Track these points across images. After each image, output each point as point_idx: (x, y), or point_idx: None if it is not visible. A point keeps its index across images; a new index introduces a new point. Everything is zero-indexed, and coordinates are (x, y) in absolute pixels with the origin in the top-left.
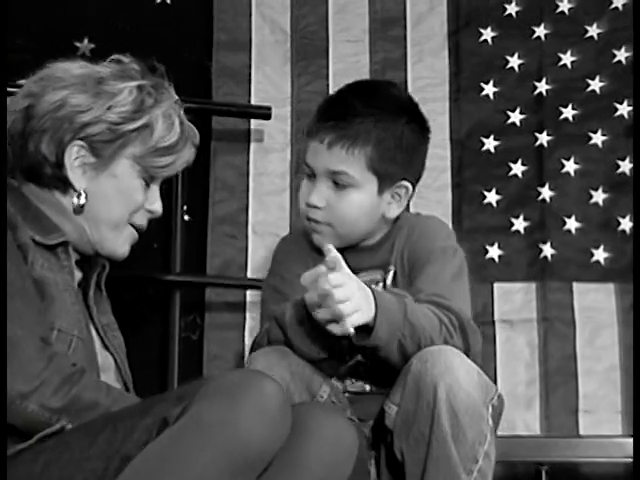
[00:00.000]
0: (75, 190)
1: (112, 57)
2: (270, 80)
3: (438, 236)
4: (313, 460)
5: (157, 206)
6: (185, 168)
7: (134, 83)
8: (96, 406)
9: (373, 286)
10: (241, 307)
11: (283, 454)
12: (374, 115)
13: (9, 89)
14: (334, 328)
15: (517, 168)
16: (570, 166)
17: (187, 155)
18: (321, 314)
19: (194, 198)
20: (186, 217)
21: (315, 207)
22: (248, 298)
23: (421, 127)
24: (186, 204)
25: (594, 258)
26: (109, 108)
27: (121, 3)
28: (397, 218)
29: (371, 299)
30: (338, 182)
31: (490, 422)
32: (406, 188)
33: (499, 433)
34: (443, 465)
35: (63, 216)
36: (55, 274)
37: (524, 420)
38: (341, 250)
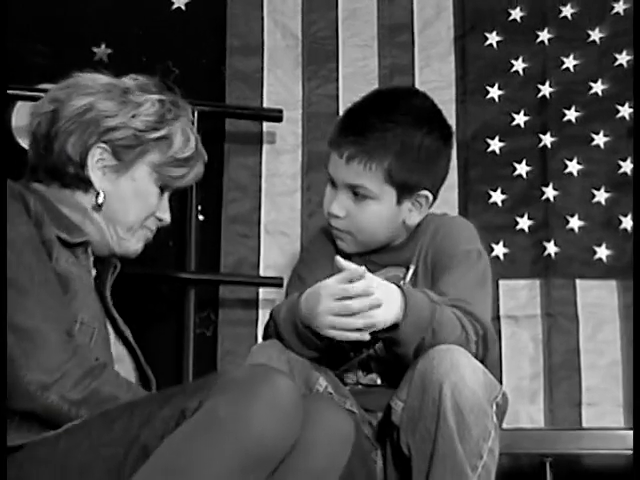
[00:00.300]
0: (95, 190)
1: (130, 76)
2: (282, 83)
3: (462, 238)
4: (312, 448)
5: (166, 215)
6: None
7: (156, 96)
8: (115, 400)
9: (401, 283)
10: (254, 304)
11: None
12: (391, 130)
13: (28, 93)
14: (352, 335)
15: (522, 168)
16: (573, 166)
17: (198, 169)
18: (333, 323)
19: (208, 198)
20: (200, 217)
21: (336, 217)
22: (261, 295)
23: (442, 135)
24: (200, 204)
25: (596, 256)
26: (134, 116)
27: (137, 9)
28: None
29: (397, 296)
30: (357, 193)
31: (495, 419)
32: (426, 197)
33: (504, 426)
34: (449, 461)
35: (84, 216)
36: (79, 270)
37: (528, 413)
38: (363, 252)
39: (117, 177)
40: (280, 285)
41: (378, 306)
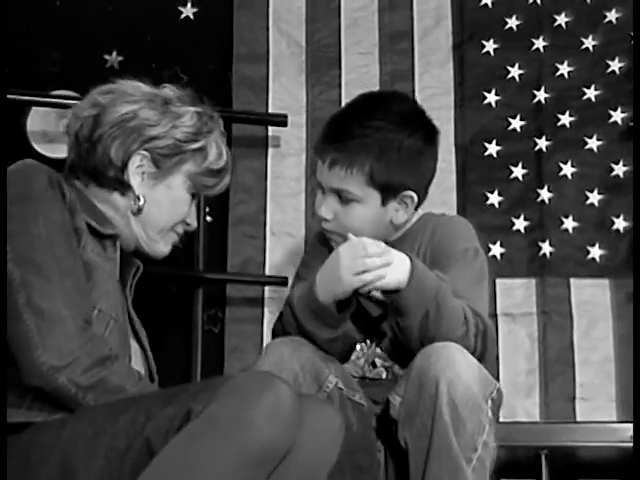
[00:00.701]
0: (134, 193)
1: (163, 85)
2: (286, 90)
3: (460, 237)
4: (301, 445)
5: (193, 221)
6: None
7: (194, 109)
8: (122, 391)
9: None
10: (260, 302)
11: None
12: (370, 135)
13: (42, 99)
14: (362, 279)
15: (518, 171)
16: (567, 169)
17: (227, 180)
18: (353, 268)
19: (216, 200)
20: (208, 218)
21: (325, 219)
22: (266, 294)
23: (425, 135)
24: (208, 206)
25: (590, 255)
26: (174, 126)
27: (148, 18)
28: (420, 217)
29: (407, 262)
30: (342, 197)
31: (489, 414)
32: (411, 197)
33: (501, 419)
34: (445, 455)
35: (116, 213)
36: (103, 260)
37: (524, 407)
38: None
39: (154, 184)
40: (285, 284)
41: (389, 264)
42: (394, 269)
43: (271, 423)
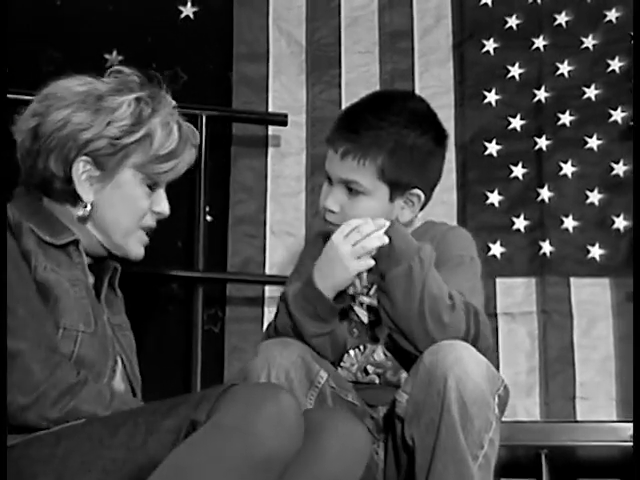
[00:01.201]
0: (82, 202)
1: (113, 69)
2: (286, 89)
3: (458, 245)
4: (329, 457)
5: (163, 207)
6: (206, 169)
7: (132, 96)
8: (94, 417)
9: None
10: (260, 302)
11: (303, 453)
12: (385, 128)
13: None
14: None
15: (518, 170)
16: (568, 169)
17: (188, 157)
18: (354, 252)
19: (215, 199)
20: (208, 217)
21: (330, 211)
22: (266, 293)
23: (436, 137)
24: (208, 205)
25: (590, 255)
26: (109, 123)
27: (148, 18)
28: (421, 224)
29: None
30: (351, 189)
31: (496, 411)
32: (418, 196)
33: (502, 418)
34: (451, 451)
35: (71, 224)
36: (60, 274)
37: (525, 406)
38: None
39: (103, 186)
40: (284, 283)
41: (386, 240)
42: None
43: (275, 432)
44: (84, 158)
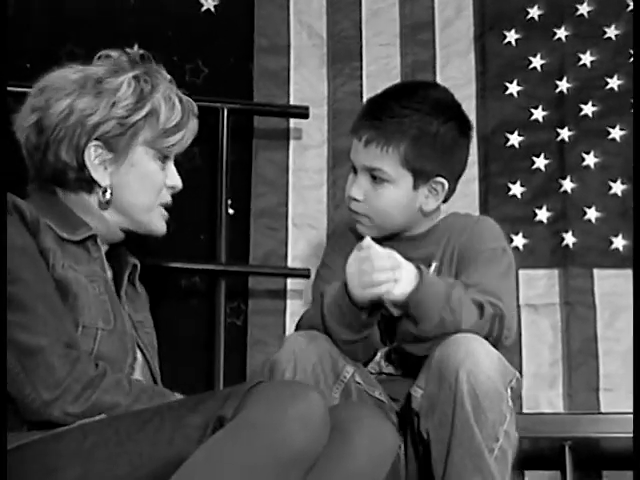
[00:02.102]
0: (100, 187)
1: (100, 53)
2: (308, 81)
3: (489, 237)
4: (358, 455)
5: (176, 180)
6: (228, 162)
7: (129, 74)
8: (117, 406)
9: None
10: (282, 294)
11: (332, 449)
12: (409, 116)
13: None
14: (371, 292)
15: (540, 162)
16: (590, 159)
17: (192, 127)
18: (361, 283)
19: (237, 193)
20: (230, 210)
21: (355, 200)
22: (288, 286)
23: (460, 127)
24: (230, 198)
25: (613, 246)
26: (114, 104)
27: (168, 11)
28: (446, 216)
29: (414, 276)
30: (375, 177)
31: (510, 403)
32: (442, 184)
33: (525, 410)
34: (467, 444)
35: (87, 213)
36: (78, 271)
37: (548, 398)
38: (383, 240)
39: (117, 167)
40: (307, 276)
41: (397, 280)
42: (402, 283)
43: (303, 430)
44: (95, 143)
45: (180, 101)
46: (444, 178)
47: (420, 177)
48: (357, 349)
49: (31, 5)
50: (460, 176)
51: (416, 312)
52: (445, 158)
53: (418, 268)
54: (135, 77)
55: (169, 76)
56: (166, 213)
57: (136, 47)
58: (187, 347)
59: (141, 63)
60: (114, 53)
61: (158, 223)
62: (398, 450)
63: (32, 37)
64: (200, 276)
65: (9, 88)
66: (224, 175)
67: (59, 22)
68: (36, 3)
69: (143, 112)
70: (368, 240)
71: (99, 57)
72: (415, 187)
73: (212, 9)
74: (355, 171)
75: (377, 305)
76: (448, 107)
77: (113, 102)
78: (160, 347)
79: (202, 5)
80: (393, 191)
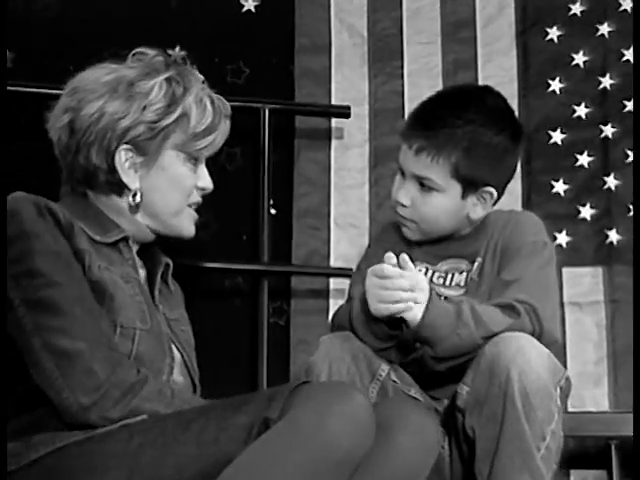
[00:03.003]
0: (130, 190)
1: (135, 51)
2: (349, 81)
3: (530, 231)
4: (402, 451)
5: (207, 182)
6: (270, 162)
7: (161, 77)
8: (155, 415)
9: (456, 274)
10: (325, 294)
11: (375, 447)
12: (461, 127)
13: None
14: (386, 308)
15: (583, 159)
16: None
17: (224, 129)
18: (377, 296)
19: (279, 193)
20: (272, 210)
21: (402, 205)
22: (331, 285)
23: (512, 134)
24: (272, 199)
25: None
26: (144, 108)
27: (210, 12)
28: (490, 213)
29: (425, 296)
30: (424, 184)
31: (558, 402)
32: (491, 194)
33: (570, 409)
34: (517, 441)
35: (119, 215)
36: (113, 272)
37: (593, 396)
38: (429, 241)
39: (147, 171)
40: (350, 276)
41: (413, 300)
42: (415, 308)
43: (350, 431)
44: (125, 146)
45: (212, 103)
46: (493, 187)
47: (469, 187)
48: (389, 354)
49: (74, 7)
50: (509, 180)
51: (430, 334)
52: (496, 167)
53: (431, 294)
54: (167, 79)
55: (202, 77)
56: (196, 215)
57: (177, 49)
58: (230, 347)
59: (175, 64)
60: (149, 52)
61: (187, 226)
62: (442, 450)
63: (75, 39)
64: (243, 276)
65: (51, 90)
66: (266, 175)
67: (103, 25)
68: (79, 5)
69: (174, 116)
70: (390, 256)
71: (134, 54)
72: (464, 196)
73: (253, 9)
74: (402, 173)
75: (400, 319)
76: (502, 116)
77: (144, 106)
78: (203, 347)
79: (243, 6)
80: (441, 199)
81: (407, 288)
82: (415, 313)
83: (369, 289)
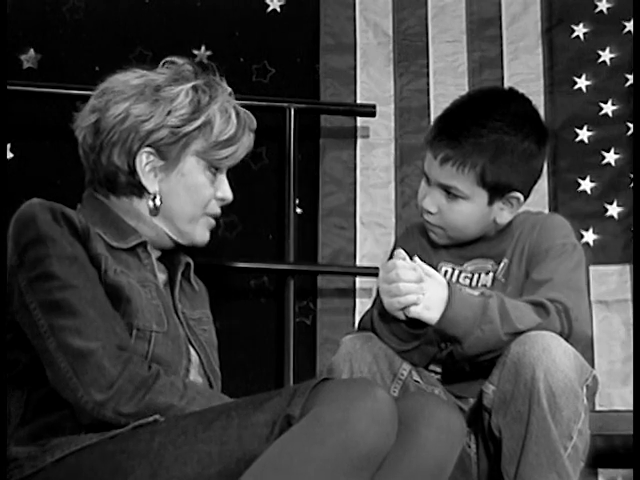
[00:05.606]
0: (149, 193)
1: (166, 60)
2: (374, 80)
3: (559, 233)
4: (427, 446)
5: (226, 193)
6: (295, 162)
7: (189, 85)
8: (170, 408)
9: (482, 274)
10: (351, 293)
11: (399, 442)
12: (486, 135)
13: None
14: (397, 301)
15: (610, 157)
16: None
17: (247, 142)
18: (386, 290)
19: (305, 192)
20: (298, 210)
21: (428, 212)
22: (357, 284)
23: (538, 139)
24: (298, 198)
25: None
26: (169, 113)
27: (235, 13)
28: (517, 214)
29: (444, 299)
30: (450, 192)
31: (585, 401)
32: (517, 198)
33: (598, 408)
34: (543, 441)
35: (139, 220)
36: (130, 276)
37: (621, 395)
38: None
39: (167, 175)
40: (376, 274)
41: (421, 292)
42: (430, 298)
43: (374, 428)
44: (147, 149)
45: (237, 115)
46: (519, 192)
47: (496, 193)
48: (412, 356)
49: (101, 9)
50: (535, 183)
51: (454, 331)
52: (522, 173)
53: (448, 283)
54: (194, 87)
55: (229, 89)
56: (213, 222)
57: (203, 48)
58: (257, 347)
59: (203, 74)
60: (179, 60)
61: (201, 233)
62: (468, 449)
63: (101, 40)
64: (269, 276)
65: (77, 91)
66: (292, 175)
67: (128, 26)
68: (105, 7)
69: (197, 123)
70: (400, 252)
71: (164, 63)
72: (490, 203)
73: (278, 9)
74: (428, 179)
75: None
76: (526, 121)
77: (168, 111)
78: (229, 347)
79: (268, 5)
80: (468, 207)
81: (414, 280)
82: (431, 314)
83: (380, 285)
